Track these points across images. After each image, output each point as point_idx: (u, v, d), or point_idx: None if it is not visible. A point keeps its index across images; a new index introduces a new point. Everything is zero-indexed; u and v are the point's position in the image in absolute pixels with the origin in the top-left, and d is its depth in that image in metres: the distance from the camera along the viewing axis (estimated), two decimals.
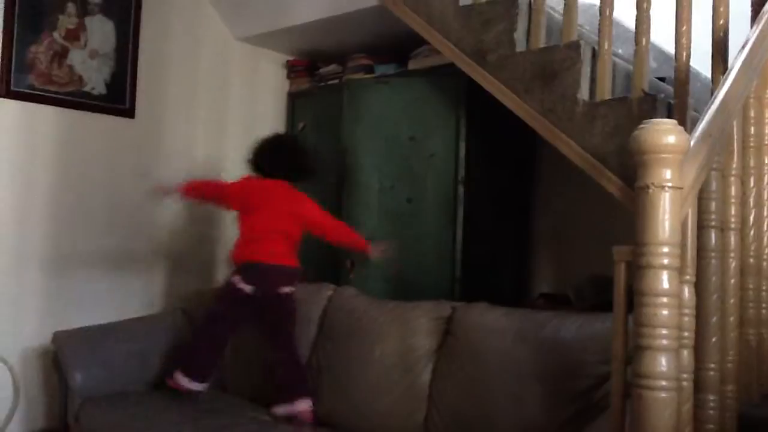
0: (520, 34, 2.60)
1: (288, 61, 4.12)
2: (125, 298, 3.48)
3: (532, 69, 2.51)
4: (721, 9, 2.21)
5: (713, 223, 1.69)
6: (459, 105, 3.25)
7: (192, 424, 2.59)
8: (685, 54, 2.28)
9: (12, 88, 3.16)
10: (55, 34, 3.28)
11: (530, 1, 2.62)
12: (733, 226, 1.79)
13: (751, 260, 1.88)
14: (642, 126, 1.41)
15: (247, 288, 2.74)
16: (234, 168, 3.89)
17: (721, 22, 2.21)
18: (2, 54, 3.13)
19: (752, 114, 1.91)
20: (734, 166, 1.80)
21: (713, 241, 1.69)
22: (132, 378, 3.01)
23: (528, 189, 3.56)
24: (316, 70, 3.99)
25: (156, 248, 3.62)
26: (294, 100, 4.06)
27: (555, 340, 2.23)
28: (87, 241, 3.40)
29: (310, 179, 2.96)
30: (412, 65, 3.50)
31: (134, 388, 2.98)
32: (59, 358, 2.95)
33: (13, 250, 3.20)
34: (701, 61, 2.42)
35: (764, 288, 1.89)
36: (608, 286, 1.62)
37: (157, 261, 3.63)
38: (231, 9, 3.82)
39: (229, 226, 3.80)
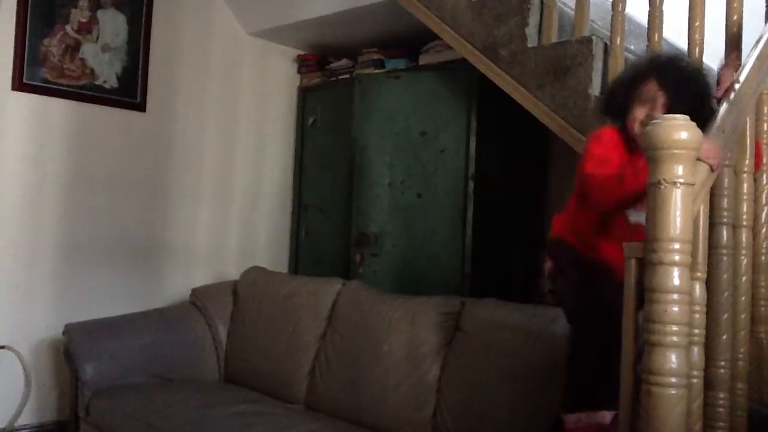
0: (531, 29, 2.59)
1: (299, 56, 4.12)
2: (136, 291, 3.50)
3: (544, 64, 2.50)
4: (735, 5, 2.20)
5: (725, 220, 1.69)
6: (470, 100, 3.25)
7: (202, 414, 2.60)
8: (697, 50, 2.27)
9: (25, 81, 3.17)
10: (68, 28, 3.30)
11: None
12: (745, 223, 1.78)
13: (763, 258, 1.88)
14: (654, 122, 1.40)
15: None
16: (243, 162, 3.92)
17: (735, 17, 2.20)
18: (15, 47, 3.14)
19: (765, 110, 1.91)
20: (747, 162, 1.79)
21: (725, 238, 1.68)
22: (142, 371, 3.03)
23: (539, 184, 3.55)
24: (327, 65, 3.99)
25: (168, 241, 3.64)
26: (305, 95, 4.06)
27: (564, 336, 2.22)
28: (98, 233, 3.42)
29: None
30: (423, 60, 3.50)
31: (144, 381, 3.00)
32: (70, 350, 2.96)
33: (25, 242, 3.22)
34: (714, 57, 2.40)
35: None
36: None
37: (168, 254, 3.64)
38: (242, 3, 3.83)
39: (242, 222, 3.84)
